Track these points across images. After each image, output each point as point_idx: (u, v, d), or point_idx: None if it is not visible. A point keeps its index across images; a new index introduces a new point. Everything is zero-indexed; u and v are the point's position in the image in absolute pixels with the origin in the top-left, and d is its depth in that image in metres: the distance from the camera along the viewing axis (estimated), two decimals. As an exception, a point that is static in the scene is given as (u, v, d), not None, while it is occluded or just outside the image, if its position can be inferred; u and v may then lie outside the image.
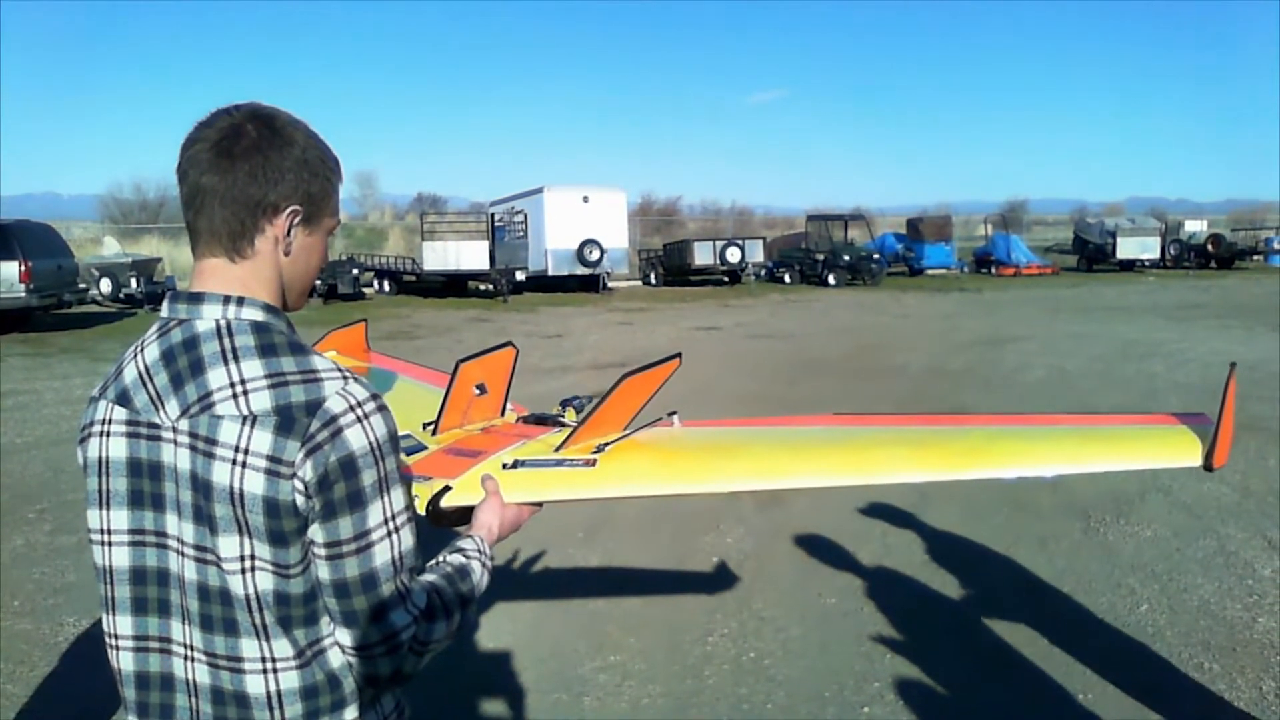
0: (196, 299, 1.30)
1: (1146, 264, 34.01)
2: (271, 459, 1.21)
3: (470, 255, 24.73)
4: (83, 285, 19.59)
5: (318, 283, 21.15)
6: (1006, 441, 1.85)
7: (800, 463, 1.88)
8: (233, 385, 1.24)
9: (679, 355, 1.95)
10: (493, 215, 26.87)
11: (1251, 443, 7.44)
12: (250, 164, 1.28)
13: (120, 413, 1.31)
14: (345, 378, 1.28)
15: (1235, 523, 5.65)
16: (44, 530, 5.90)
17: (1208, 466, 1.62)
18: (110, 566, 1.33)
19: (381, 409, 1.29)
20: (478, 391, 2.13)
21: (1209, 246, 34.97)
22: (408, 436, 1.98)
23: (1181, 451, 1.65)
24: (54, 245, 18.38)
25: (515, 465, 1.79)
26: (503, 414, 2.23)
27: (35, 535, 5.80)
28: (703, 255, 29.07)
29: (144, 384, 1.30)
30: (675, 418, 2.02)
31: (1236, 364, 1.77)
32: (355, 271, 24.58)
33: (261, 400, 1.23)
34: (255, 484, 1.21)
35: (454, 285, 26.18)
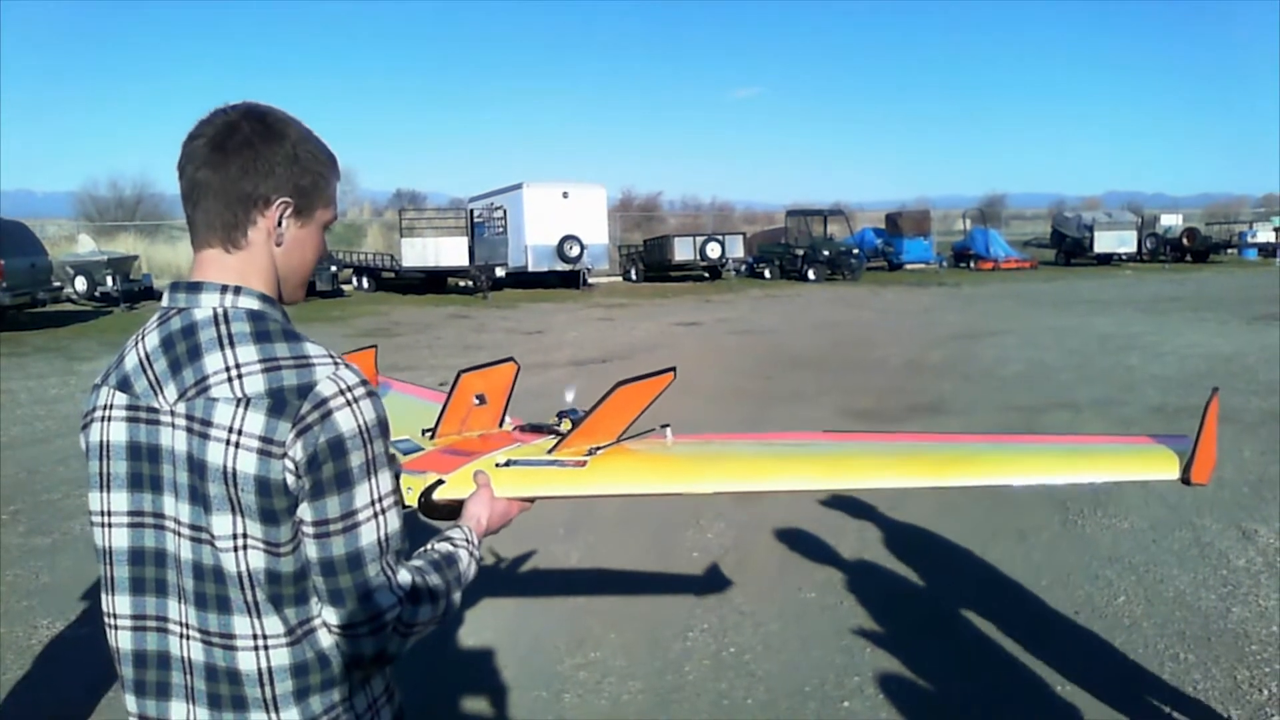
0: (195, 288, 1.35)
1: (1123, 258, 34.24)
2: (263, 439, 1.26)
3: (449, 252, 24.65)
4: (57, 283, 19.39)
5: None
6: (989, 454, 1.91)
7: (786, 467, 1.94)
8: (228, 370, 1.29)
9: (673, 369, 1.97)
10: (472, 211, 26.78)
11: (1226, 434, 7.46)
12: (242, 159, 1.34)
13: (121, 398, 1.36)
14: (336, 363, 1.33)
15: (1210, 514, 5.70)
16: (18, 532, 5.83)
17: (1185, 480, 1.66)
18: (110, 547, 1.37)
19: (371, 394, 1.34)
20: (477, 401, 2.18)
21: (1185, 240, 35.27)
22: (406, 440, 2.04)
23: (1159, 466, 1.69)
24: (28, 243, 18.17)
25: (508, 464, 1.83)
26: (500, 425, 2.26)
27: (9, 537, 5.74)
28: (683, 251, 29.07)
29: (144, 370, 1.35)
30: (668, 431, 2.05)
31: (1219, 388, 1.80)
32: (334, 268, 24.46)
33: (255, 384, 1.28)
34: (248, 463, 1.26)
35: (433, 282, 26.07)
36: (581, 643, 4.19)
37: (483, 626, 4.32)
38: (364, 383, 1.34)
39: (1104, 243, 34.10)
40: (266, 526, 1.27)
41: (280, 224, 1.38)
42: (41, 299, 17.98)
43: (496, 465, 1.81)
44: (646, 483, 1.92)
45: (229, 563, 1.29)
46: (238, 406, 1.27)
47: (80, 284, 21.69)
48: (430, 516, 1.73)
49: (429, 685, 3.78)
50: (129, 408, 1.35)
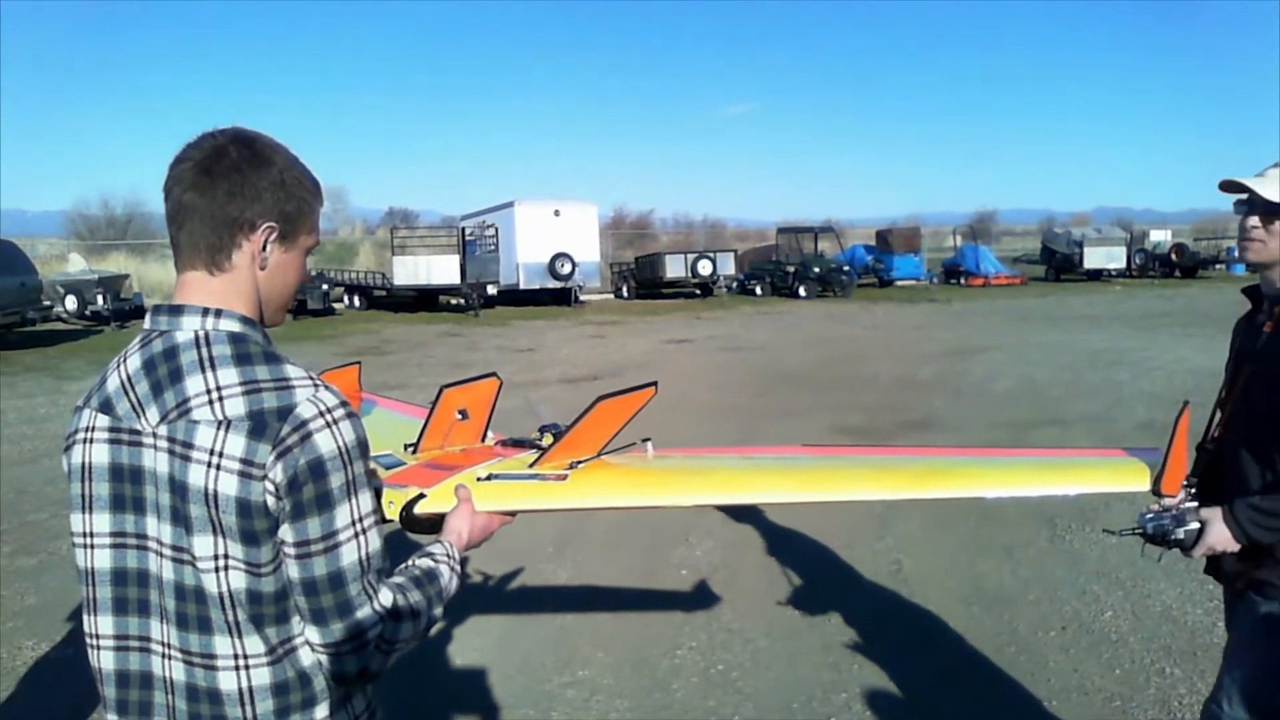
0: (177, 311, 1.37)
1: (1113, 273, 34.36)
2: (244, 461, 1.27)
3: (441, 270, 24.64)
4: (47, 302, 19.30)
5: (287, 298, 20.97)
6: (964, 467, 1.93)
7: (765, 481, 1.95)
8: (209, 392, 1.30)
9: (654, 384, 1.99)
10: (463, 229, 26.77)
11: (1214, 449, 7.52)
12: (229, 183, 1.35)
13: (103, 420, 1.37)
14: (316, 385, 1.35)
15: (1197, 528, 5.71)
16: (4, 552, 5.80)
17: (1156, 491, 1.69)
18: (93, 568, 1.38)
19: (350, 415, 1.36)
20: (459, 416, 2.19)
21: (1173, 256, 35.43)
22: (388, 455, 2.05)
23: (1130, 478, 1.73)
24: (17, 262, 18.11)
25: (489, 478, 1.85)
26: (483, 440, 2.27)
27: (-5, 557, 5.71)
28: (674, 268, 29.11)
29: (126, 392, 1.36)
30: (649, 445, 2.06)
31: (1189, 402, 1.84)
32: (325, 287, 24.41)
33: (236, 406, 1.29)
34: (229, 485, 1.27)
35: (425, 300, 26.07)
36: (569, 661, 4.18)
37: (470, 645, 4.31)
38: (344, 404, 1.36)
39: (1093, 259, 34.21)
40: (248, 547, 1.29)
41: (265, 248, 1.40)
42: (31, 318, 17.91)
43: (478, 479, 1.82)
44: (627, 496, 1.94)
45: (210, 583, 1.30)
46: (219, 429, 1.28)
47: (70, 303, 21.58)
48: (412, 530, 1.75)
49: (416, 704, 3.78)
50: (111, 430, 1.36)
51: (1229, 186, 2.31)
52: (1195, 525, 2.21)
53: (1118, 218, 61.63)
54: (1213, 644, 4.17)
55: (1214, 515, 2.19)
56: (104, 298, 21.39)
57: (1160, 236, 38.25)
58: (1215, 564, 2.37)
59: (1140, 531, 2.27)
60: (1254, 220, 2.26)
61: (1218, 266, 36.13)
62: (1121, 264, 34.37)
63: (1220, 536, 2.18)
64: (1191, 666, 3.97)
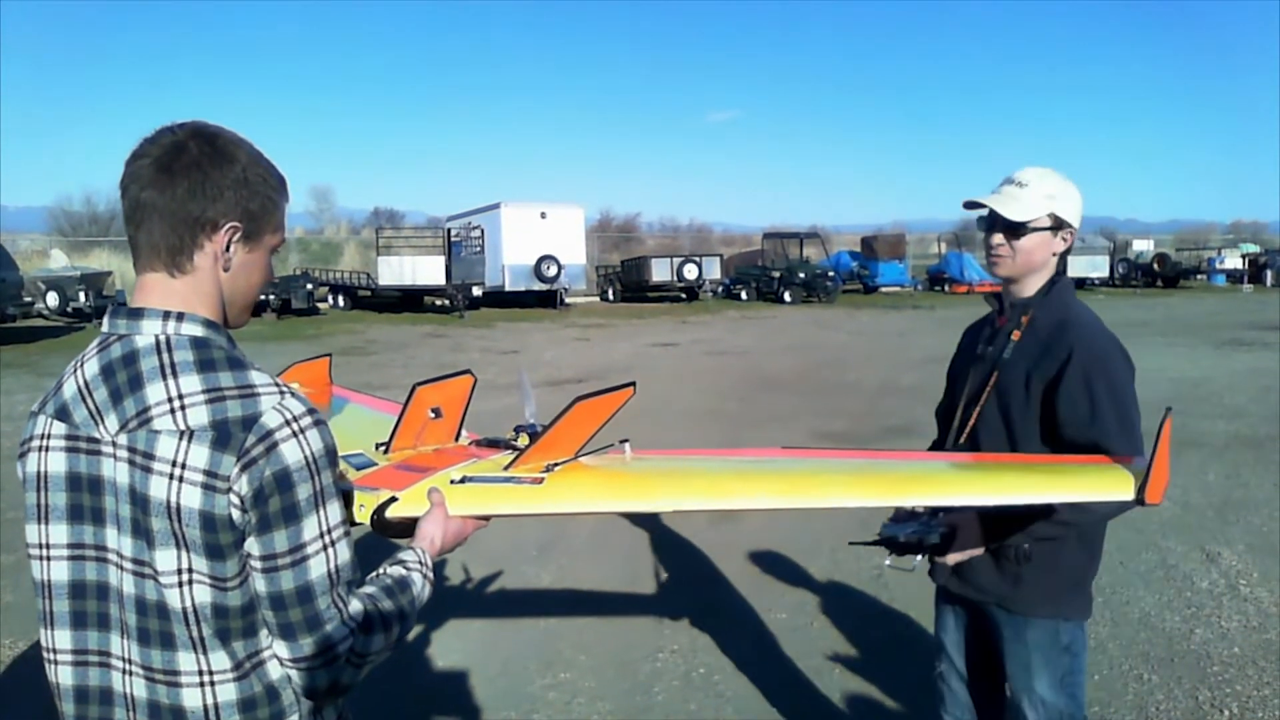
0: (137, 314, 1.31)
1: (1096, 283, 34.56)
2: (208, 473, 1.22)
3: (427, 270, 24.60)
4: (28, 299, 19.20)
5: (271, 297, 20.37)
6: (948, 473, 1.92)
7: (745, 486, 1.93)
8: (170, 400, 1.25)
9: (633, 384, 1.96)
10: (449, 231, 26.73)
11: (1193, 458, 7.60)
12: (190, 180, 1.29)
13: (60, 428, 1.32)
14: (282, 392, 1.30)
15: (1176, 536, 5.77)
16: (-18, 550, 5.75)
17: (1140, 500, 1.69)
18: (49, 581, 1.33)
19: (318, 423, 1.30)
20: (433, 415, 2.13)
21: (1155, 266, 35.75)
22: (359, 455, 1.99)
23: (1115, 485, 1.72)
24: (-2, 258, 18.02)
25: (463, 481, 1.80)
26: (457, 439, 2.23)
27: (-27, 555, 5.66)
28: (660, 272, 29.16)
29: (83, 399, 1.31)
30: (627, 446, 2.03)
31: (1172, 409, 1.85)
32: (309, 286, 24.34)
33: (199, 415, 1.24)
34: (192, 498, 1.23)
35: (410, 301, 26.03)
36: (551, 664, 4.19)
37: (452, 648, 4.31)
38: (311, 411, 1.30)
39: (1076, 268, 34.32)
40: (212, 561, 1.24)
41: (228, 248, 1.34)
42: (11, 314, 17.82)
43: (451, 482, 1.77)
44: (604, 500, 1.89)
45: (173, 598, 1.26)
46: (181, 439, 1.23)
47: (52, 299, 21.45)
48: (383, 534, 1.71)
49: (396, 704, 3.77)
50: (68, 438, 1.31)
51: (970, 205, 2.36)
52: (945, 529, 2.24)
53: (1101, 227, 61.82)
54: (1189, 650, 4.22)
55: (963, 518, 2.23)
56: (86, 295, 21.26)
57: (1143, 246, 38.59)
58: (959, 576, 2.38)
59: (890, 540, 2.29)
60: (998, 238, 2.33)
61: (1199, 276, 36.52)
62: (1104, 273, 34.60)
63: (970, 538, 2.23)
64: (1168, 673, 4.00)
